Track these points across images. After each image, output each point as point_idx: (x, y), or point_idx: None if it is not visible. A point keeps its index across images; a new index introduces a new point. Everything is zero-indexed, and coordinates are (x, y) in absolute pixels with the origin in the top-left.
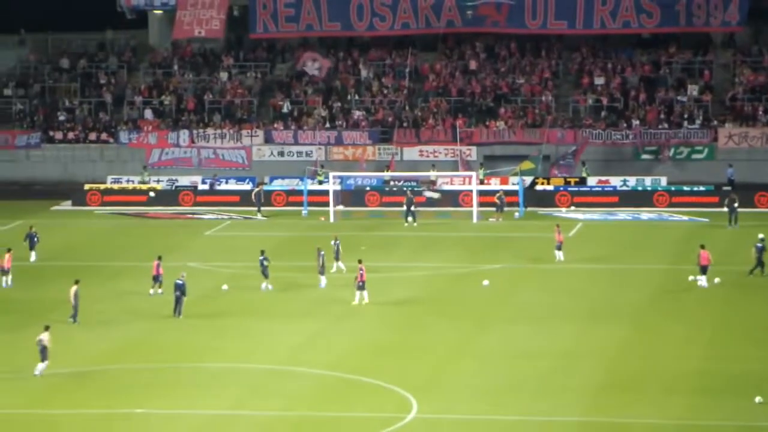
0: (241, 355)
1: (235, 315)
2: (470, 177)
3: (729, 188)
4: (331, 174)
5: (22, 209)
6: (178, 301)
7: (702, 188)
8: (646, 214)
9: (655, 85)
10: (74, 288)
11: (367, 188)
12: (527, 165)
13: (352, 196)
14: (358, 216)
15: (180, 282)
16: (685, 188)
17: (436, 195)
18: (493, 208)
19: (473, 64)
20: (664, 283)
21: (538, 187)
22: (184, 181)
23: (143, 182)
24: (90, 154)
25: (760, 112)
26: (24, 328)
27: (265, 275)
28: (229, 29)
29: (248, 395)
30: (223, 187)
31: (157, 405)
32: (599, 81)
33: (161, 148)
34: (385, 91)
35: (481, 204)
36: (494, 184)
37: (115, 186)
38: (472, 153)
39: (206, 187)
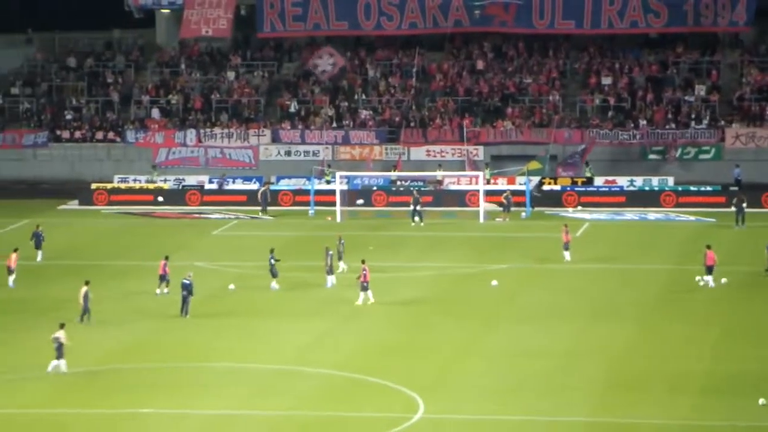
0: (248, 354)
1: (242, 315)
2: (477, 177)
3: (736, 188)
4: (338, 174)
5: (29, 208)
6: (184, 301)
7: (709, 188)
8: (653, 214)
9: (662, 85)
10: (84, 289)
11: (374, 188)
12: (534, 165)
13: (358, 196)
14: (365, 216)
15: (187, 282)
16: (692, 188)
17: (489, 207)
18: (500, 208)
19: (480, 64)
20: (671, 283)
21: (545, 187)
22: (191, 180)
23: (152, 181)
24: (97, 154)
25: None
26: (29, 329)
27: (274, 274)
28: (237, 28)
29: (255, 395)
30: (230, 186)
31: (164, 405)
32: (606, 81)
33: (168, 147)
34: (393, 91)
35: (487, 204)
36: (501, 184)
37: (122, 185)
38: (479, 153)
39: (215, 186)
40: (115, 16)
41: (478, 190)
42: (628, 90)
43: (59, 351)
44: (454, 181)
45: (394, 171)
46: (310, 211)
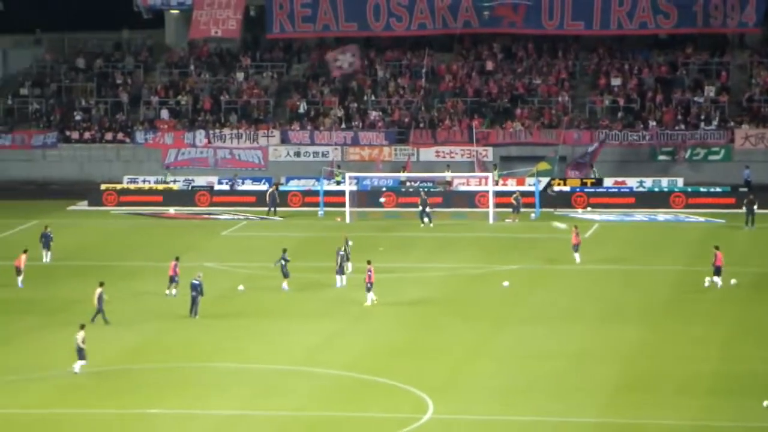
0: (257, 355)
1: (251, 315)
2: (486, 178)
3: (745, 189)
4: (347, 174)
5: (39, 209)
6: (194, 301)
7: (718, 189)
8: (662, 215)
9: (671, 86)
10: (99, 290)
11: (384, 189)
12: (544, 166)
13: (368, 197)
14: (375, 217)
15: (196, 282)
16: (702, 189)
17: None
18: (509, 209)
19: (490, 65)
20: (680, 284)
21: (555, 188)
22: (200, 181)
23: (165, 182)
24: (106, 154)
25: None
26: (38, 329)
27: (285, 275)
28: (246, 29)
29: (263, 395)
30: (240, 187)
31: (172, 405)
32: (616, 82)
33: (177, 148)
34: (402, 92)
35: (497, 205)
36: (510, 185)
37: (131, 186)
38: (489, 154)
39: (226, 187)
40: (124, 16)
41: (487, 191)
42: (637, 91)
43: (79, 353)
44: (463, 182)
45: (404, 172)
46: (319, 212)
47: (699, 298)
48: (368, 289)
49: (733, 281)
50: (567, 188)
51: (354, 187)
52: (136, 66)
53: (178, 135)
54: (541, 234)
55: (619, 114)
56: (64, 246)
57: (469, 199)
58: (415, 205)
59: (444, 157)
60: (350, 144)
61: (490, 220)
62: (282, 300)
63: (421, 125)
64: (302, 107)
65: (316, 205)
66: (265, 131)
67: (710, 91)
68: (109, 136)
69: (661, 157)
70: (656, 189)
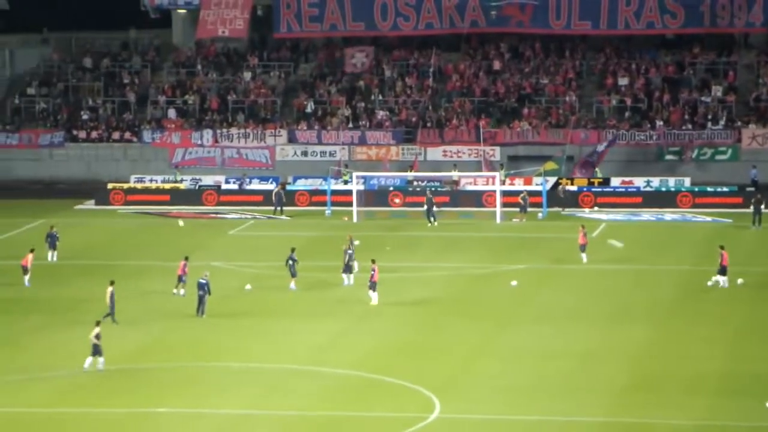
0: (264, 354)
1: (258, 315)
2: (493, 177)
3: (753, 189)
4: (355, 174)
5: (46, 208)
6: (201, 301)
7: (725, 189)
8: (669, 214)
9: (678, 85)
10: (110, 289)
11: (391, 188)
12: (551, 165)
13: (375, 197)
14: (381, 216)
15: (203, 281)
16: (709, 189)
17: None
18: (517, 209)
19: (497, 65)
20: (687, 284)
21: (567, 188)
22: (207, 180)
23: (175, 181)
24: (113, 154)
25: None
26: (45, 328)
27: (293, 274)
28: (253, 29)
29: (270, 394)
30: (247, 187)
31: (179, 404)
32: (623, 81)
33: (185, 147)
34: (409, 91)
35: (504, 204)
36: (518, 185)
37: (139, 185)
38: (496, 153)
39: (235, 186)
40: (131, 16)
41: (494, 191)
42: (644, 91)
43: (95, 349)
44: (470, 181)
45: (411, 171)
46: (326, 212)
47: (705, 297)
48: (371, 288)
49: (740, 281)
50: (574, 188)
51: (361, 187)
52: (143, 65)
53: (185, 134)
54: (548, 234)
55: (626, 114)
56: (71, 245)
57: (477, 198)
58: (423, 205)
59: (451, 156)
60: (357, 143)
61: (497, 220)
62: (289, 299)
63: (429, 125)
64: (309, 107)
65: (324, 204)
66: (273, 131)
67: (717, 90)
68: (116, 135)
69: (668, 157)
70: (663, 189)
